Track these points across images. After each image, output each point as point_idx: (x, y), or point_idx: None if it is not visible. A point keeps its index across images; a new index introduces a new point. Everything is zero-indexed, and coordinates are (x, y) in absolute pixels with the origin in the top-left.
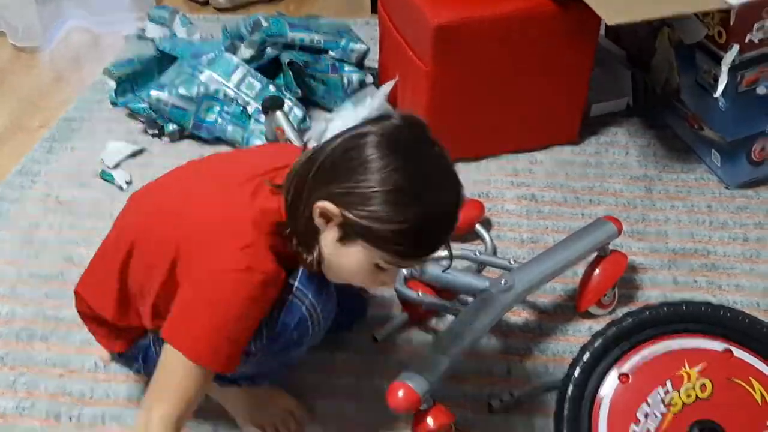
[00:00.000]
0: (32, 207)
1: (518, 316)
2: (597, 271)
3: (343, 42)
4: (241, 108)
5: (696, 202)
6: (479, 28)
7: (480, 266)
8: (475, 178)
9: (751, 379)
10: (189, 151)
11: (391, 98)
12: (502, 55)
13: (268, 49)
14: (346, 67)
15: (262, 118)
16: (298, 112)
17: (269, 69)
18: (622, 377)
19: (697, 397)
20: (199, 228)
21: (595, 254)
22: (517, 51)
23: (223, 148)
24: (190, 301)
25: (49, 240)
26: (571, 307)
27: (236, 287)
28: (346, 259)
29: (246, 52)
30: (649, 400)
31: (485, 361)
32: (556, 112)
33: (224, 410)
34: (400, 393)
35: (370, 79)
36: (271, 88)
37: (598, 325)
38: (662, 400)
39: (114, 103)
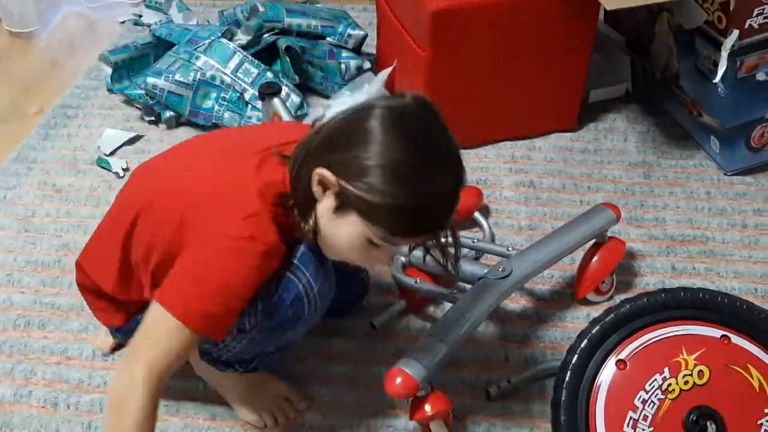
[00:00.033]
0: (28, 194)
1: (516, 303)
2: (595, 257)
3: (340, 28)
4: (238, 94)
5: (695, 189)
6: (478, 13)
7: (478, 253)
8: (473, 164)
9: (748, 365)
10: (186, 137)
11: (389, 84)
12: (500, 40)
13: (265, 35)
14: (344, 53)
15: (259, 104)
16: (295, 98)
17: (266, 55)
18: (620, 364)
19: (694, 383)
20: (205, 197)
21: (593, 241)
22: (516, 36)
23: None
24: (188, 265)
25: (45, 227)
26: (569, 294)
27: (237, 255)
28: (339, 231)
29: (243, 37)
30: (647, 387)
31: (483, 348)
32: (554, 98)
33: (221, 397)
34: (398, 380)
35: (367, 65)
36: (269, 74)
37: (596, 311)
38: (660, 387)
39: (110, 90)
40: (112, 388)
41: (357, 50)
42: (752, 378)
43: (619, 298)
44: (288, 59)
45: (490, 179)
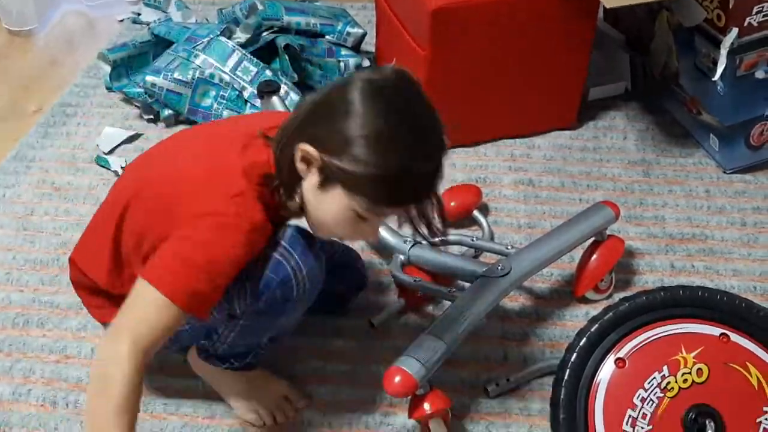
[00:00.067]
0: (27, 192)
1: (515, 301)
2: (594, 256)
3: (339, 26)
4: (237, 92)
5: (694, 187)
6: (477, 11)
7: (477, 252)
8: (472, 163)
9: (747, 363)
10: None
11: None
12: (500, 38)
13: (264, 33)
14: (343, 52)
15: (258, 102)
16: (294, 96)
17: (265, 53)
18: (619, 362)
19: (693, 381)
20: (191, 181)
21: (592, 239)
22: (515, 35)
23: None
24: (175, 243)
25: (44, 226)
26: (567, 293)
27: (223, 231)
28: (325, 206)
29: (242, 36)
30: (646, 385)
31: (482, 347)
32: (554, 97)
33: (219, 396)
34: (397, 378)
35: (366, 63)
36: (267, 72)
37: (594, 310)
38: (659, 385)
39: (109, 88)
40: (97, 362)
41: (356, 48)
42: (751, 376)
43: (618, 297)
44: (287, 57)
45: (489, 177)
